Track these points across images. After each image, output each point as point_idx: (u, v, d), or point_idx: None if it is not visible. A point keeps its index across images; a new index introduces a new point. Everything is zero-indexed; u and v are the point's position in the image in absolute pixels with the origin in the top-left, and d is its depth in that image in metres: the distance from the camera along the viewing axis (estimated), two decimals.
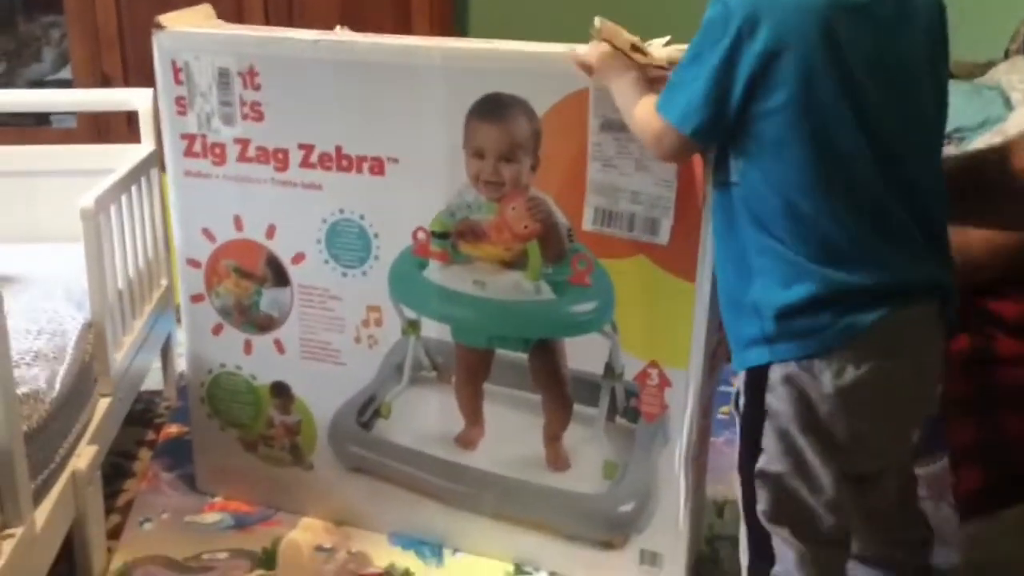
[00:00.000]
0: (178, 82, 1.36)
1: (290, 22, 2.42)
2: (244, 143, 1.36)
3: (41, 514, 1.17)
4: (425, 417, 1.41)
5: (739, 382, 1.04)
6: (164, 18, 1.36)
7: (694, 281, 1.19)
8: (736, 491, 1.06)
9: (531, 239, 1.27)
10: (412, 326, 1.37)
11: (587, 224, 1.23)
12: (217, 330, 1.48)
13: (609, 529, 1.34)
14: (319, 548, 1.44)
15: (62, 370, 1.27)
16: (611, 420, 1.30)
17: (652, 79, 1.07)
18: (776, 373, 0.98)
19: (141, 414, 1.79)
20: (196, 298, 1.47)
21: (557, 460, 1.35)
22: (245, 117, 1.35)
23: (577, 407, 1.32)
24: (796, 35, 0.90)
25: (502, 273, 1.30)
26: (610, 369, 1.28)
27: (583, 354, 1.29)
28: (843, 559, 1.07)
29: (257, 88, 1.33)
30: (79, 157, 1.81)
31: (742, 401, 1.03)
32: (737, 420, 1.05)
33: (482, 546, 1.42)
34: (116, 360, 1.48)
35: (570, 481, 1.35)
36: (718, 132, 0.97)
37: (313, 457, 1.49)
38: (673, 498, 1.28)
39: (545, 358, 1.31)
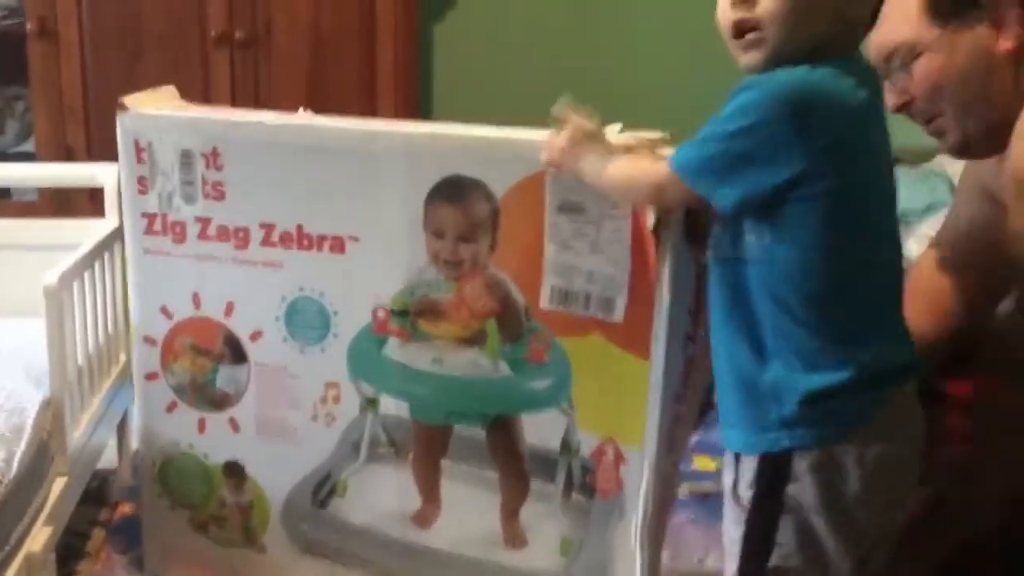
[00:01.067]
0: (140, 161, 1.38)
1: (256, 103, 2.44)
2: (205, 222, 1.38)
3: None
4: (382, 495, 1.41)
5: (743, 468, 1.02)
6: (129, 99, 1.39)
7: (648, 359, 1.22)
8: None
9: (489, 317, 1.29)
10: (370, 403, 1.38)
11: (544, 303, 1.26)
12: (171, 408, 1.47)
13: None
14: None
15: (19, 451, 1.26)
16: (567, 496, 1.31)
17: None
18: (801, 462, 0.98)
19: (95, 492, 1.75)
20: (151, 376, 1.47)
21: (514, 538, 1.35)
22: (207, 196, 1.37)
23: (534, 483, 1.33)
24: (841, 133, 0.94)
25: (461, 351, 1.32)
26: (566, 445, 1.30)
27: (540, 430, 1.31)
28: None
29: (219, 168, 1.36)
30: (43, 231, 1.82)
31: (750, 492, 1.01)
32: (737, 511, 1.02)
33: None
34: (73, 438, 1.46)
35: (527, 559, 1.35)
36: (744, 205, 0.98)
37: (266, 538, 1.47)
38: (630, 574, 1.29)
39: (503, 434, 1.33)
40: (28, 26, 2.38)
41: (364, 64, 2.51)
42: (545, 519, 1.33)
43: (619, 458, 1.27)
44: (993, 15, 1.13)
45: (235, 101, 2.49)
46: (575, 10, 2.78)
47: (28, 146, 2.61)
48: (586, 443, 1.29)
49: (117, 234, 1.70)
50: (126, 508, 1.73)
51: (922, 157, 2.35)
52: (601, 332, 1.24)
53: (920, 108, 1.19)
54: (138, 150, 1.38)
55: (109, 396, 1.67)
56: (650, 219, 1.17)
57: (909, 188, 2.17)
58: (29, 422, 1.31)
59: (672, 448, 1.28)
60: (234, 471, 1.46)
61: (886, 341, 1.00)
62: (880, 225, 1.01)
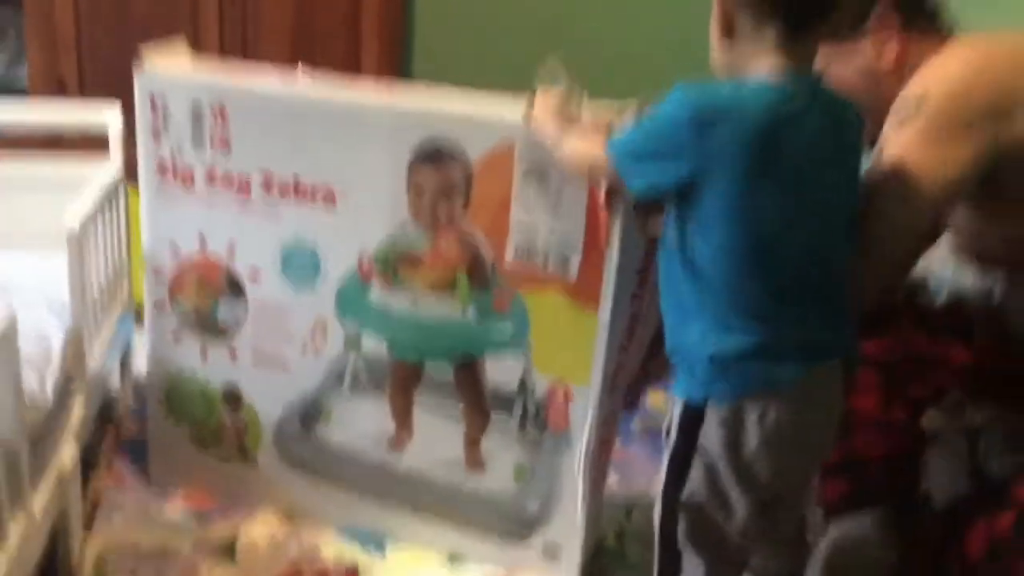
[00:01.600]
0: (155, 112, 1.53)
1: (244, 53, 2.55)
2: (212, 170, 1.53)
3: (37, 507, 1.28)
4: (361, 421, 1.58)
5: (674, 412, 1.17)
6: (146, 56, 1.53)
7: (596, 312, 1.38)
8: (654, 510, 1.21)
9: (461, 269, 1.45)
10: (353, 341, 1.55)
11: (509, 258, 1.42)
12: (176, 336, 1.64)
13: (518, 524, 1.52)
14: (273, 540, 1.57)
15: (50, 376, 1.39)
16: (523, 429, 1.49)
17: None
18: (712, 414, 1.13)
19: (102, 413, 1.89)
20: (158, 306, 1.63)
21: (475, 463, 1.53)
22: (214, 146, 1.52)
23: (494, 417, 1.50)
24: (742, 143, 1.05)
25: (434, 297, 1.48)
26: (523, 385, 1.46)
27: (502, 371, 1.47)
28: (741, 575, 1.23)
29: (226, 122, 1.51)
30: (51, 170, 1.93)
31: (674, 433, 1.17)
32: (666, 449, 1.18)
33: (413, 538, 1.59)
34: (91, 365, 1.60)
35: (486, 481, 1.53)
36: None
37: (258, 455, 1.65)
38: (572, 498, 1.47)
39: (468, 372, 1.49)
40: None
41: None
42: (502, 449, 1.51)
43: (568, 397, 1.44)
44: (879, 27, 1.29)
45: (223, 50, 2.57)
46: None
47: (19, 73, 2.64)
48: (540, 383, 1.45)
49: (122, 173, 1.83)
50: (132, 428, 1.87)
51: None
52: (557, 287, 1.40)
53: None
54: (153, 103, 1.53)
55: (116, 326, 1.82)
56: (603, 187, 1.32)
57: None
58: (56, 350, 1.46)
59: (614, 389, 1.44)
60: (231, 395, 1.64)
61: (795, 322, 1.12)
62: (795, 225, 1.09)
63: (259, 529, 1.59)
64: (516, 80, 1.37)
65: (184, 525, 1.62)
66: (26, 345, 1.29)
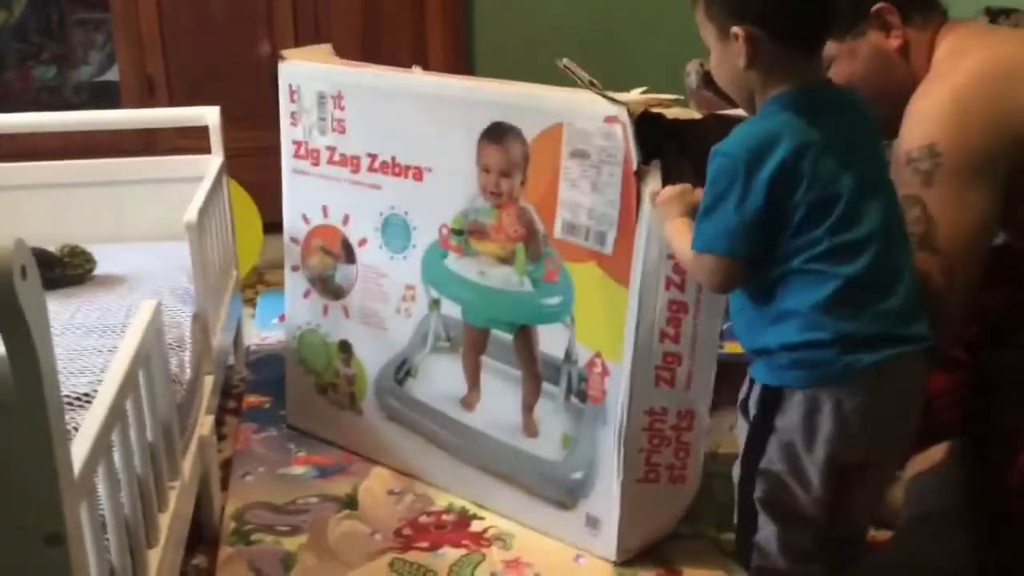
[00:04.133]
0: (292, 100, 1.80)
1: (316, 29, 2.84)
2: (332, 150, 1.77)
3: (187, 471, 1.43)
4: (441, 379, 1.73)
5: (753, 390, 1.22)
6: (287, 52, 1.80)
7: (628, 287, 1.42)
8: (733, 470, 1.27)
9: (519, 241, 1.56)
10: (435, 303, 1.70)
11: (557, 233, 1.50)
12: (306, 295, 1.90)
13: (564, 492, 1.59)
14: (391, 492, 1.73)
15: (187, 357, 1.57)
16: (568, 399, 1.55)
17: None
18: (790, 398, 1.18)
19: (222, 386, 1.99)
20: (294, 268, 1.90)
21: (529, 428, 1.62)
22: (333, 130, 1.76)
23: (545, 385, 1.58)
24: (797, 149, 1.13)
25: (498, 267, 1.60)
26: (568, 355, 1.53)
27: (551, 340, 1.56)
28: (812, 539, 1.24)
29: (343, 108, 1.73)
30: (161, 167, 2.19)
31: (752, 412, 1.22)
32: (745, 424, 1.24)
33: (474, 497, 1.71)
34: (214, 345, 1.81)
35: (538, 447, 1.61)
36: (758, 249, 1.16)
37: (363, 404, 1.86)
38: (611, 472, 1.51)
39: (524, 340, 1.59)
40: None
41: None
42: (552, 416, 1.58)
43: (604, 371, 1.49)
44: (879, 21, 1.37)
45: (297, 25, 2.84)
46: None
47: (110, 75, 2.94)
48: (582, 355, 1.52)
49: (223, 167, 2.06)
50: (252, 399, 2.06)
51: None
52: (596, 261, 1.46)
53: None
54: (291, 92, 1.79)
55: (229, 306, 2.01)
56: (633, 164, 1.37)
57: None
58: (187, 334, 1.62)
59: (654, 371, 1.45)
60: (345, 348, 1.86)
61: (868, 318, 1.14)
62: (852, 225, 1.13)
63: (376, 482, 1.76)
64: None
65: (306, 482, 1.78)
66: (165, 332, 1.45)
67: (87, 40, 3.13)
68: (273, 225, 2.14)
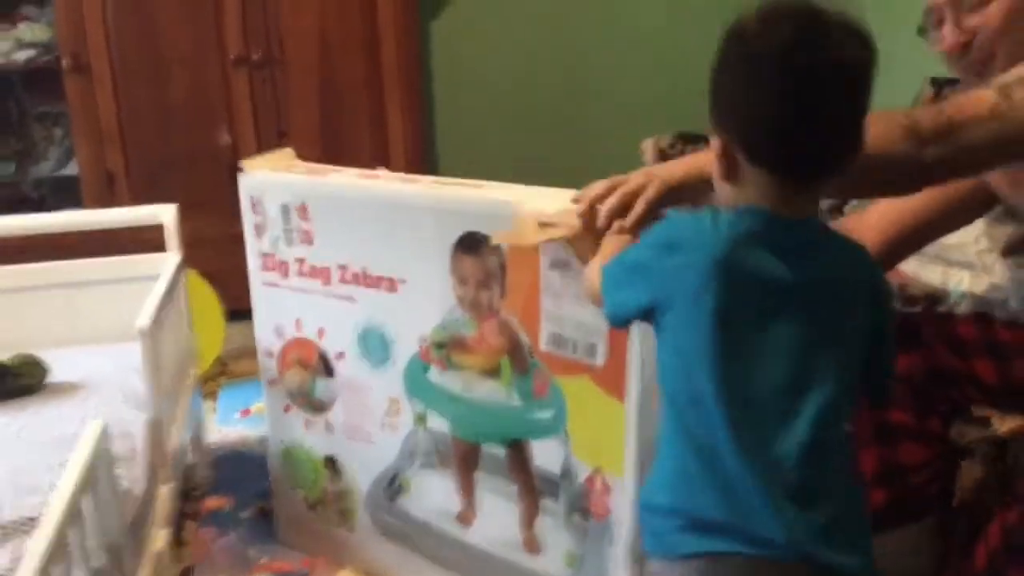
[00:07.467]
0: (255, 212, 1.72)
1: (276, 116, 2.84)
2: (300, 261, 1.69)
3: None
4: (433, 495, 1.65)
5: None
6: (247, 162, 1.72)
7: (623, 401, 1.35)
8: None
9: (503, 354, 1.48)
10: (421, 418, 1.62)
11: (543, 345, 1.42)
12: (287, 409, 1.81)
13: None
14: None
15: (140, 469, 1.53)
16: (569, 516, 1.47)
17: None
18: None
19: (181, 488, 1.93)
20: (272, 382, 1.82)
21: (531, 545, 1.54)
22: (301, 241, 1.68)
23: (545, 501, 1.50)
24: (692, 271, 0.97)
25: (484, 380, 1.52)
26: (566, 471, 1.45)
27: (546, 455, 1.48)
28: None
29: (308, 219, 1.66)
30: (118, 267, 2.13)
31: None
32: None
33: None
34: (170, 450, 1.74)
35: (543, 565, 1.53)
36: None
37: (356, 521, 1.77)
38: None
39: (518, 455, 1.51)
40: (63, 62, 2.67)
41: (370, 64, 2.84)
42: (554, 532, 1.50)
43: (606, 487, 1.41)
44: None
45: (256, 115, 2.81)
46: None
47: (70, 170, 2.89)
48: (581, 471, 1.44)
49: (182, 264, 2.01)
50: (212, 502, 2.01)
51: None
52: (588, 375, 1.39)
53: (977, 46, 1.28)
54: (253, 203, 1.71)
55: (188, 405, 1.96)
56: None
57: None
58: (139, 443, 1.57)
59: None
60: (331, 464, 1.78)
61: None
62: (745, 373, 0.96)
63: None
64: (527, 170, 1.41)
65: None
66: (114, 445, 1.41)
67: (47, 135, 3.07)
68: (236, 312, 2.10)
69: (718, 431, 0.95)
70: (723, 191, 1.04)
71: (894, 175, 1.18)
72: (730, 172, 1.00)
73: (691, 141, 2.36)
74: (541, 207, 1.36)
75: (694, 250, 0.97)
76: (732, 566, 0.95)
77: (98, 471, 1.25)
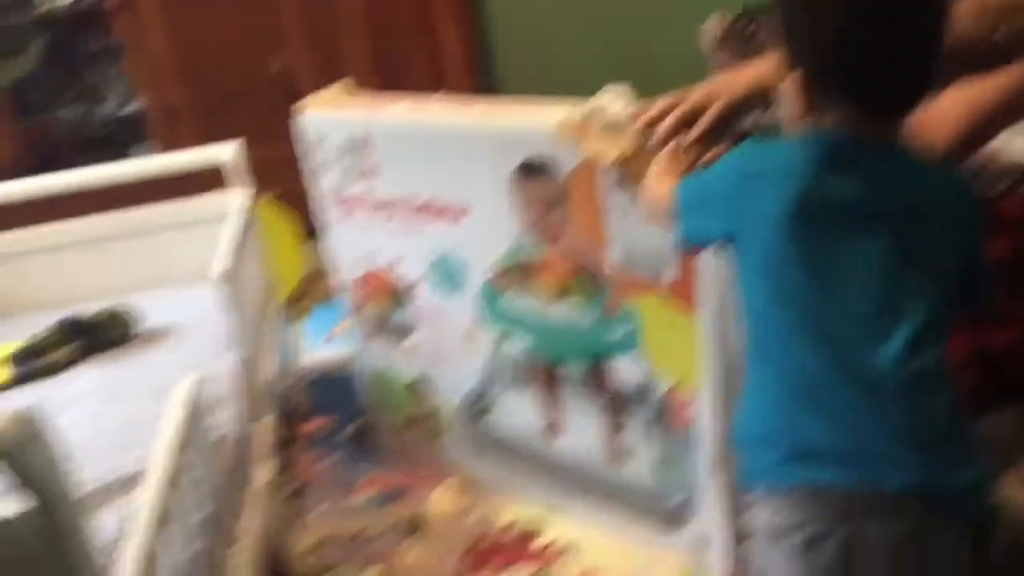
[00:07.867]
0: (318, 151, 1.73)
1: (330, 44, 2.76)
2: (366, 196, 1.71)
3: (254, 523, 1.46)
4: (518, 414, 1.70)
5: None
6: (308, 100, 1.72)
7: (697, 314, 1.35)
8: None
9: (573, 276, 1.49)
10: (500, 341, 1.65)
11: (612, 266, 1.42)
12: (369, 338, 1.87)
13: (663, 517, 1.55)
14: (456, 510, 1.77)
15: (234, 410, 1.56)
16: (651, 428, 1.50)
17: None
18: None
19: (280, 417, 1.95)
20: (353, 313, 1.87)
21: (616, 455, 1.58)
22: (365, 176, 1.69)
23: (629, 414, 1.53)
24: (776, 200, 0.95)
25: (556, 303, 1.53)
26: (646, 386, 1.48)
27: (626, 372, 1.50)
28: None
29: (372, 154, 1.66)
30: (187, 210, 2.12)
31: None
32: None
33: (570, 526, 1.69)
34: (264, 384, 1.78)
35: (628, 473, 1.57)
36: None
37: (445, 439, 1.84)
38: (710, 497, 1.46)
39: (596, 373, 1.54)
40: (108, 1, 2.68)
41: None
42: (639, 444, 1.54)
43: (684, 400, 1.43)
44: None
45: (308, 38, 2.72)
46: None
47: (132, 107, 2.87)
48: (659, 386, 1.46)
49: (248, 200, 1.96)
50: (310, 426, 2.06)
51: None
52: (658, 292, 1.38)
53: None
54: (314, 143, 1.73)
55: (275, 334, 1.99)
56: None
57: None
58: (231, 385, 1.59)
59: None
60: (418, 387, 1.84)
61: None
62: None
63: (440, 504, 1.78)
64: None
65: (373, 509, 1.81)
66: (207, 389, 1.40)
67: (104, 76, 3.09)
68: (315, 232, 2.06)
69: (808, 359, 0.94)
70: (799, 124, 0.99)
71: (970, 57, 1.13)
72: (811, 106, 0.97)
73: (760, 14, 2.22)
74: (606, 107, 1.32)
75: (776, 179, 0.96)
76: (838, 498, 0.94)
77: (195, 427, 1.27)
